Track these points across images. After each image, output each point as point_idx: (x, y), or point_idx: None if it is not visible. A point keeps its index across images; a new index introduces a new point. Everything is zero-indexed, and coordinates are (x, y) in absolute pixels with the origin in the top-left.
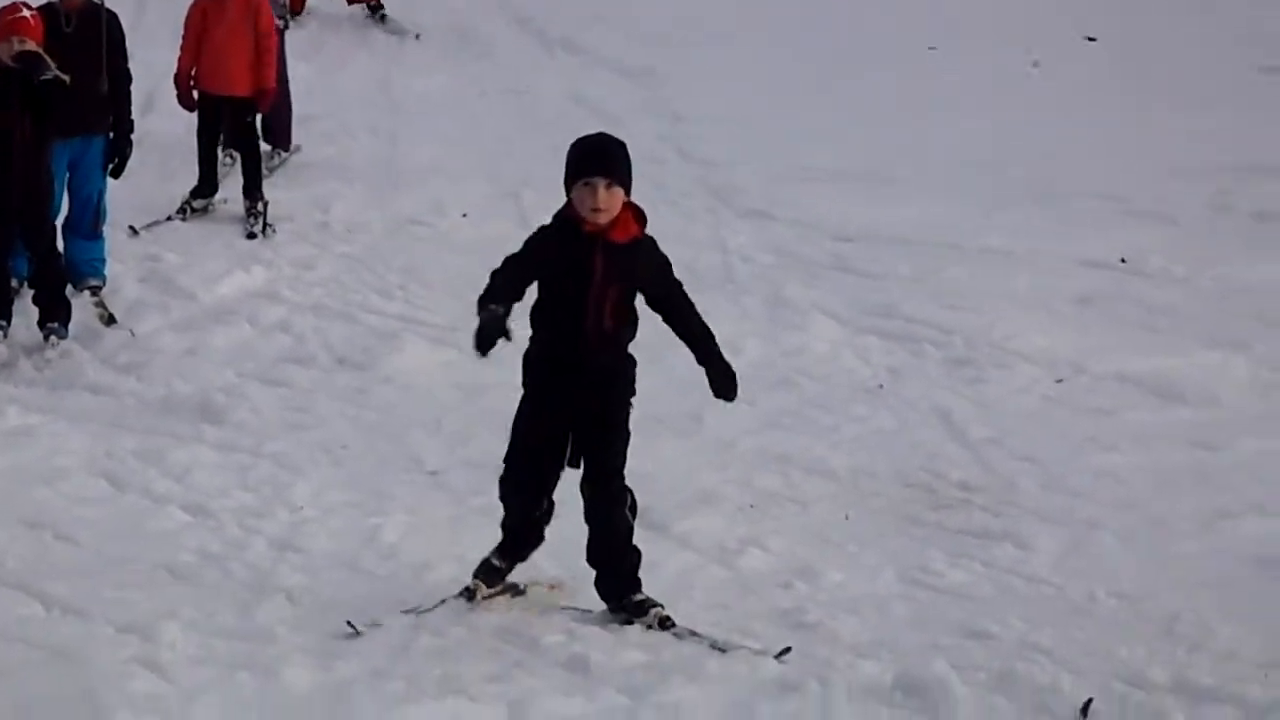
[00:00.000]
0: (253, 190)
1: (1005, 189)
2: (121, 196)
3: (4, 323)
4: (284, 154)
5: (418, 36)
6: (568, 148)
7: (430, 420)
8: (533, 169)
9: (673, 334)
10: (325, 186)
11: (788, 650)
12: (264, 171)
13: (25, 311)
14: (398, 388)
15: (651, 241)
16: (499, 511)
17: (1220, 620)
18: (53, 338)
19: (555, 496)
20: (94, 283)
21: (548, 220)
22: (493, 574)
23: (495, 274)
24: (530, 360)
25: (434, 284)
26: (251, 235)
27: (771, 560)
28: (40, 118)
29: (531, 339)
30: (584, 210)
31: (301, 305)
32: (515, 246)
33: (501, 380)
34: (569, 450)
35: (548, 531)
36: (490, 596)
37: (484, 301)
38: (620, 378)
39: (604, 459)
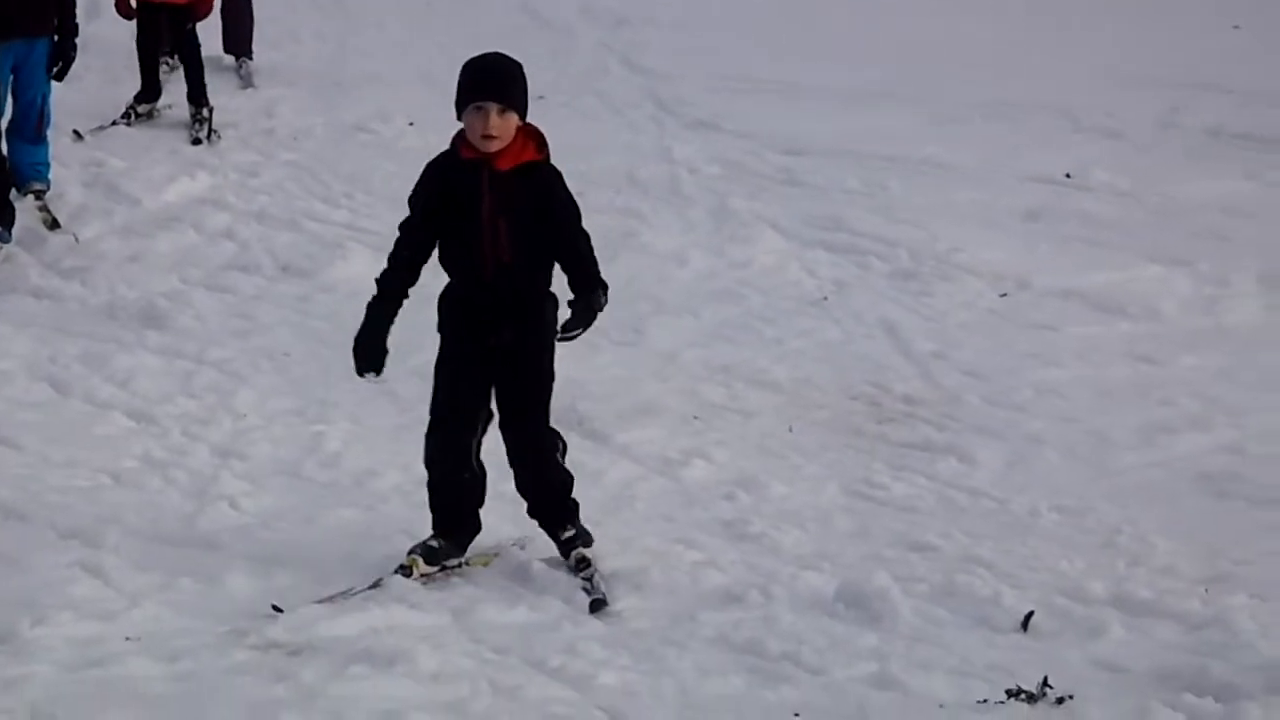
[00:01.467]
0: (197, 96)
1: (953, 102)
2: (67, 101)
3: None
4: (249, 62)
5: None
6: (460, 69)
7: None
8: None
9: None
10: (271, 92)
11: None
12: (241, 81)
13: None
14: (342, 296)
15: (550, 172)
16: None
17: (1160, 535)
18: None
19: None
20: (38, 186)
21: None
22: (431, 553)
23: (392, 251)
24: (441, 301)
25: (379, 192)
26: (196, 141)
27: (714, 471)
28: None
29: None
30: (474, 136)
31: (246, 212)
32: None
33: None
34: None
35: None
36: (428, 575)
37: (378, 290)
38: (534, 314)
39: (521, 401)
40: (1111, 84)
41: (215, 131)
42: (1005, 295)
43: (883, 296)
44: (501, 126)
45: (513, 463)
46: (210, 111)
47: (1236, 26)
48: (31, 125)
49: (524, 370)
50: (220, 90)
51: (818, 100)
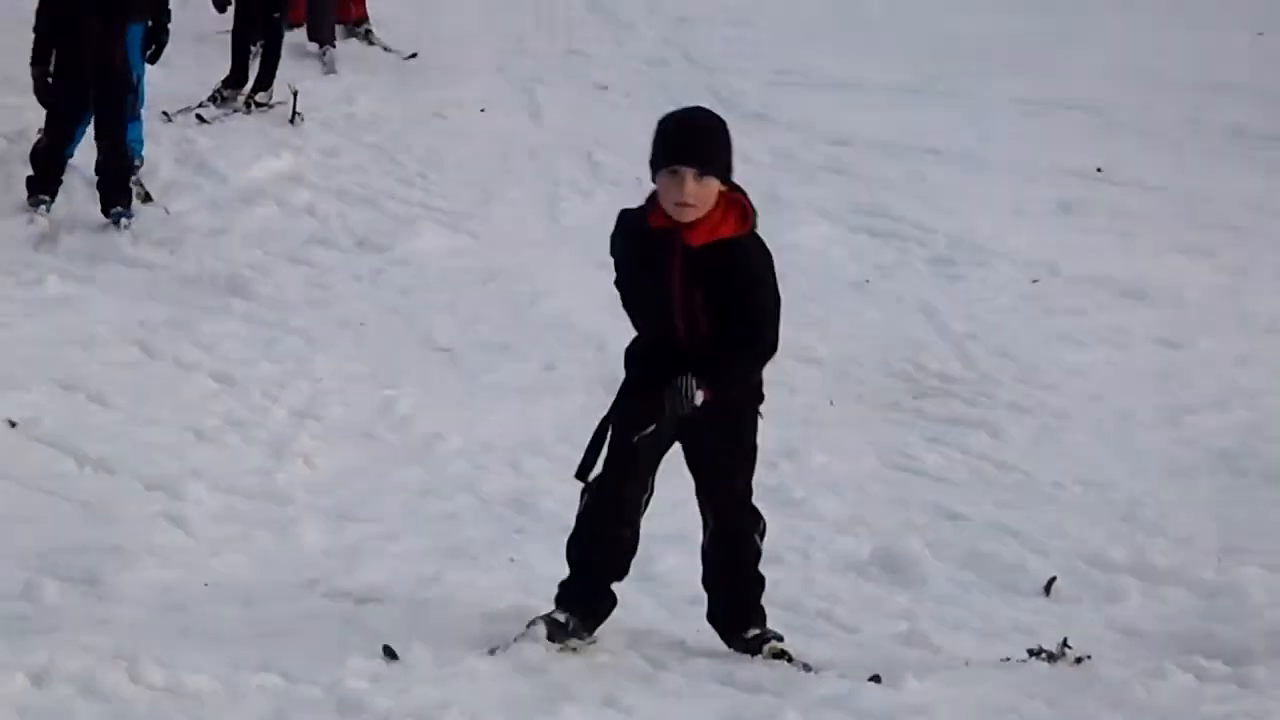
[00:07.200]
0: (265, 81)
1: (988, 98)
2: (160, 83)
3: (49, 199)
4: (332, 50)
5: (412, 56)
6: (656, 124)
7: (443, 301)
8: (545, 67)
9: None
10: (352, 79)
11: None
12: (324, 67)
13: (65, 189)
14: (414, 270)
15: (746, 247)
16: (508, 387)
17: (1178, 508)
18: (123, 219)
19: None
20: (133, 163)
21: (562, 113)
22: (557, 630)
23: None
24: (629, 355)
25: (451, 173)
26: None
27: (760, 441)
28: (108, 11)
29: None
30: (667, 203)
31: (326, 190)
32: (527, 140)
33: (512, 266)
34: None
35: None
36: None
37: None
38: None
39: (730, 482)
40: (1140, 84)
41: (299, 114)
42: (1037, 281)
43: (921, 280)
44: (699, 194)
45: (714, 543)
46: (295, 94)
47: (1260, 34)
48: (128, 104)
49: (733, 445)
50: (304, 76)
51: (862, 95)
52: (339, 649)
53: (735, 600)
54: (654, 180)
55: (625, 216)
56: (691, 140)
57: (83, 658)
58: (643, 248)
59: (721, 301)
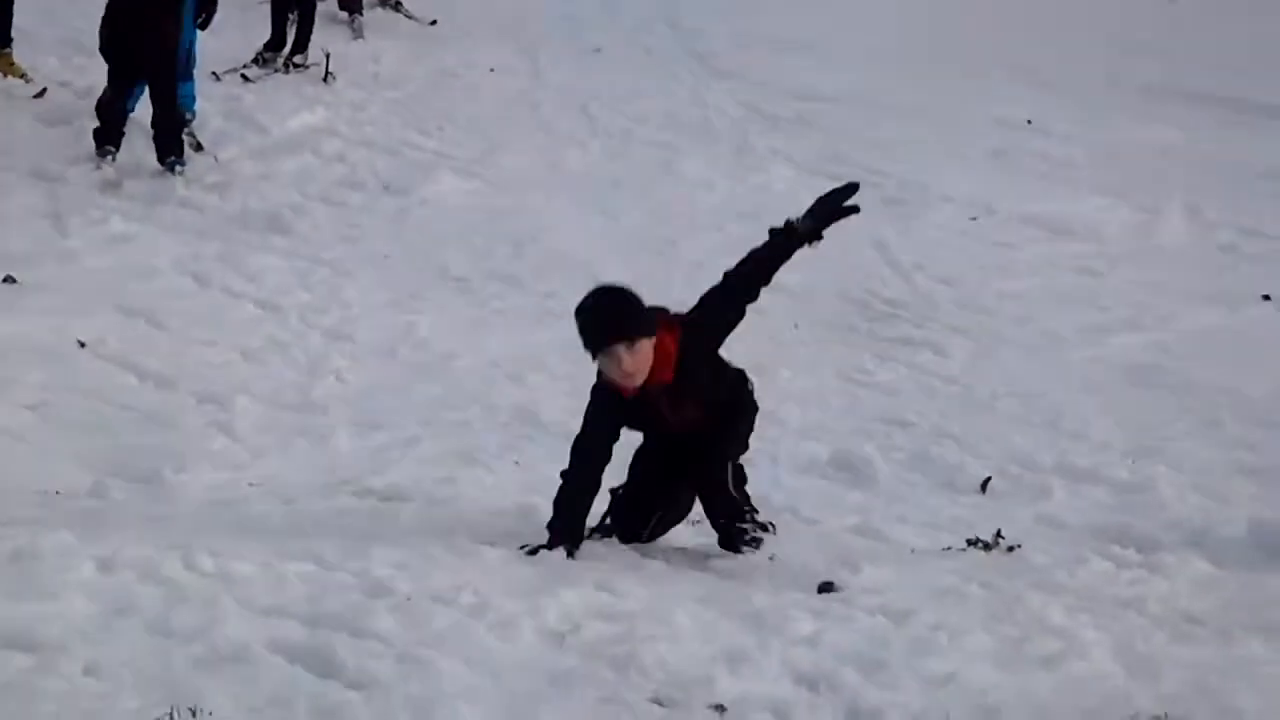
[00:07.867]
0: (301, 44)
1: (933, 60)
2: (210, 47)
3: (114, 149)
4: (360, 18)
5: (434, 23)
6: (574, 318)
7: (458, 237)
8: (548, 33)
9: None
10: (377, 43)
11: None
12: (353, 33)
13: (126, 140)
14: (431, 210)
15: (688, 338)
16: (514, 313)
17: (1098, 417)
18: (177, 166)
19: None
20: (186, 116)
21: (560, 93)
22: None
23: (567, 475)
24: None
25: (464, 125)
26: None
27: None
28: None
29: None
30: (614, 378)
31: (355, 140)
32: (530, 97)
33: (518, 207)
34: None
35: None
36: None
37: (557, 525)
38: (729, 414)
39: (712, 461)
40: (1063, 46)
41: (331, 74)
42: (974, 219)
43: (875, 219)
44: (637, 361)
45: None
46: (328, 57)
47: (1173, 1)
48: (181, 66)
49: (720, 439)
50: (335, 40)
51: (821, 57)
52: (367, 540)
53: (726, 527)
54: (594, 361)
55: (606, 396)
56: (610, 322)
57: (143, 547)
58: (629, 410)
59: (710, 384)
